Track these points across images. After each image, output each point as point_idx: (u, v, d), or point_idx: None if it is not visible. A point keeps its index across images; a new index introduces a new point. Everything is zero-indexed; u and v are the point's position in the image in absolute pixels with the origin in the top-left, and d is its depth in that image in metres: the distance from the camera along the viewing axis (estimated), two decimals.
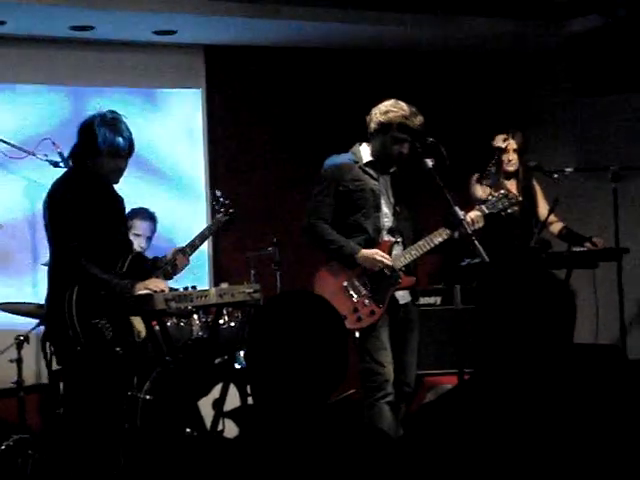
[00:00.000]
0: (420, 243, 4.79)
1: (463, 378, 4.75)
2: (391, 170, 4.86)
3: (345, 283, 4.79)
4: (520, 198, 5.50)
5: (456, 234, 4.72)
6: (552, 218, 5.80)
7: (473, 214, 4.80)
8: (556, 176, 5.90)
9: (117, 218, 4.60)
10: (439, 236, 4.77)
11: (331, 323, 2.06)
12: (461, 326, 4.76)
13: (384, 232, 4.82)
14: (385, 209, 4.84)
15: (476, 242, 4.61)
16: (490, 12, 6.88)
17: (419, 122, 4.73)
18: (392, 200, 4.84)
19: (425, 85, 7.60)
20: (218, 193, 5.39)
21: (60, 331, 4.42)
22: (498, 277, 2.26)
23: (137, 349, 4.52)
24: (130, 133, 4.50)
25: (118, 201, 4.65)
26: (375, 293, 4.77)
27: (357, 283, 4.79)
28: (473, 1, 6.68)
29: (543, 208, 5.90)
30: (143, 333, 4.83)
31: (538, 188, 5.98)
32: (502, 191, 5.06)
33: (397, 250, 4.82)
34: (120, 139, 4.44)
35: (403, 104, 4.77)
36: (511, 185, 5.85)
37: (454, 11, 6.82)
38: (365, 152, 4.86)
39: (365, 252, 4.74)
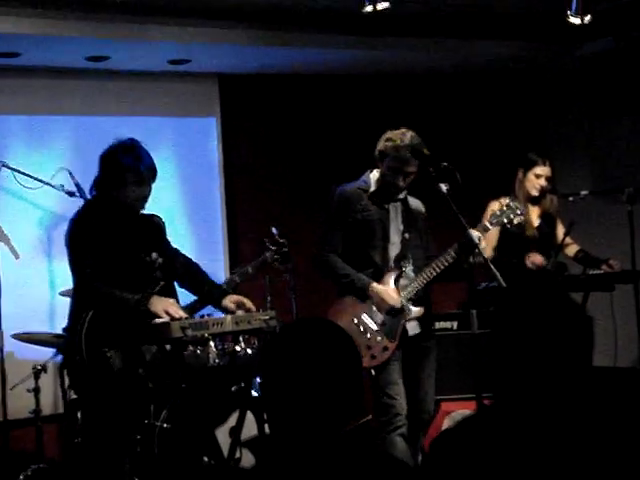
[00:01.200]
0: (426, 270, 4.76)
1: (481, 403, 4.71)
2: (400, 197, 4.85)
3: (356, 319, 4.78)
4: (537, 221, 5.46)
5: (472, 259, 4.70)
6: (568, 241, 5.79)
7: (474, 233, 4.65)
8: (571, 199, 5.90)
9: (144, 244, 4.58)
10: (443, 262, 4.72)
11: (346, 351, 2.06)
12: (478, 351, 4.72)
13: (391, 262, 4.80)
14: (394, 238, 4.82)
15: (492, 266, 4.58)
16: (504, 35, 6.90)
17: (409, 155, 4.67)
18: (401, 227, 4.83)
19: (439, 109, 7.63)
20: (274, 230, 5.34)
21: (72, 358, 4.44)
22: (516, 303, 2.25)
23: (146, 380, 4.48)
24: (152, 160, 4.51)
25: (149, 227, 4.64)
26: (386, 327, 4.76)
27: (368, 318, 4.78)
28: (487, 25, 6.70)
29: (560, 231, 5.88)
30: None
31: (557, 213, 5.96)
32: (506, 201, 4.95)
33: (405, 280, 4.80)
34: (143, 167, 4.46)
35: (405, 134, 4.73)
36: (533, 209, 5.83)
37: (468, 35, 6.84)
38: (374, 180, 4.86)
39: (375, 288, 4.74)
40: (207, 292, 4.69)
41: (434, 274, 4.74)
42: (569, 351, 2.18)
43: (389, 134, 4.77)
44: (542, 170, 5.77)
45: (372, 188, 4.83)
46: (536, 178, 5.77)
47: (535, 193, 5.79)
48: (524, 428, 2.12)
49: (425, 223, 4.94)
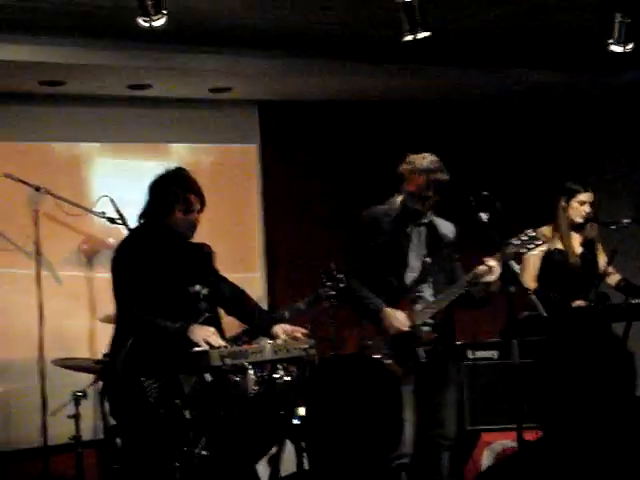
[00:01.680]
0: (440, 297, 4.69)
1: (521, 434, 4.66)
2: (424, 220, 4.78)
3: (369, 342, 4.74)
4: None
5: (512, 289, 4.65)
6: (609, 270, 5.74)
7: (492, 262, 4.54)
8: (613, 227, 5.85)
9: (190, 275, 4.59)
10: (457, 290, 4.65)
11: (386, 386, 2.05)
12: (519, 381, 4.67)
13: (409, 286, 4.73)
14: (414, 262, 4.76)
15: (533, 296, 4.55)
16: (546, 64, 6.89)
17: (426, 179, 4.62)
18: (424, 252, 4.77)
19: (479, 137, 7.62)
20: (332, 266, 5.30)
21: (112, 385, 4.46)
22: (559, 335, 2.23)
23: (182, 411, 4.48)
24: (199, 188, 4.53)
25: (196, 256, 4.66)
26: (396, 352, 4.68)
27: (380, 342, 4.73)
28: (527, 54, 6.69)
29: (602, 260, 5.84)
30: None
31: (600, 241, 5.91)
32: (529, 231, 4.75)
33: (420, 305, 4.72)
34: (192, 195, 4.48)
35: (425, 157, 4.68)
36: (575, 237, 5.80)
37: (510, 62, 6.83)
38: (398, 203, 4.80)
39: (387, 312, 4.67)
40: (257, 321, 4.69)
41: (446, 302, 4.66)
42: (612, 386, 2.16)
43: (409, 157, 4.73)
44: (586, 197, 5.73)
45: (396, 212, 4.79)
46: (580, 205, 5.73)
47: (580, 220, 5.75)
48: (570, 463, 2.10)
49: (453, 248, 4.83)
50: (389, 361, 4.65)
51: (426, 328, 4.71)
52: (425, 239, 4.78)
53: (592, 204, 5.76)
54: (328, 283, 5.16)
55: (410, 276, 4.76)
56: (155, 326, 4.33)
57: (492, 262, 4.55)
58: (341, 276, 5.15)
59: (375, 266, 4.76)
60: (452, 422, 4.80)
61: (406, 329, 4.64)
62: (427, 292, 4.76)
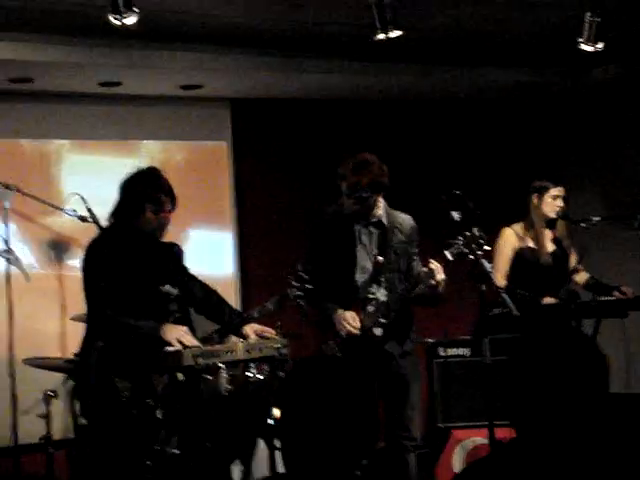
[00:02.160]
0: (390, 298, 4.63)
1: (493, 432, 4.69)
2: (373, 220, 4.72)
3: (324, 346, 4.69)
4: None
5: (484, 287, 4.66)
6: (579, 268, 5.78)
7: (433, 264, 4.50)
8: (583, 225, 5.89)
9: (160, 275, 4.57)
10: (405, 290, 4.61)
11: (362, 388, 2.06)
12: (491, 379, 4.70)
13: (359, 288, 4.70)
14: (364, 262, 4.73)
15: (504, 295, 4.57)
16: (514, 62, 6.92)
17: (353, 179, 4.59)
18: (375, 251, 4.72)
19: (452, 136, 7.65)
20: (299, 267, 5.31)
21: (82, 385, 4.45)
22: (530, 338, 2.25)
23: (154, 410, 4.47)
24: (171, 188, 4.50)
25: (167, 256, 4.64)
26: (347, 355, 4.58)
27: (333, 345, 4.67)
28: (497, 51, 6.72)
29: (573, 258, 5.88)
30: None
31: (569, 238, 5.95)
32: (474, 231, 4.63)
33: (372, 306, 4.66)
34: (164, 196, 4.45)
35: (351, 160, 4.65)
36: (547, 233, 5.83)
37: (478, 62, 6.86)
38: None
39: (338, 314, 4.64)
40: (227, 320, 4.68)
41: (395, 301, 4.62)
42: (585, 386, 2.18)
43: (345, 159, 4.71)
44: (558, 191, 5.76)
45: (344, 212, 4.73)
46: (554, 200, 5.75)
47: (553, 215, 5.77)
48: (542, 464, 2.12)
49: (409, 244, 4.75)
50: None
51: (377, 329, 4.66)
52: (377, 238, 4.74)
53: (564, 198, 5.79)
54: (295, 284, 5.18)
55: (361, 277, 4.73)
56: (127, 326, 4.31)
57: (434, 264, 4.50)
58: (307, 277, 5.17)
59: (327, 268, 4.74)
60: (416, 423, 4.76)
61: (356, 332, 4.61)
62: (380, 292, 4.69)
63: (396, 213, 4.80)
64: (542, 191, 5.76)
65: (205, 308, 4.72)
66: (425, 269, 4.53)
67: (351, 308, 4.67)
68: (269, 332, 4.54)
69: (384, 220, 4.74)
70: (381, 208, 4.73)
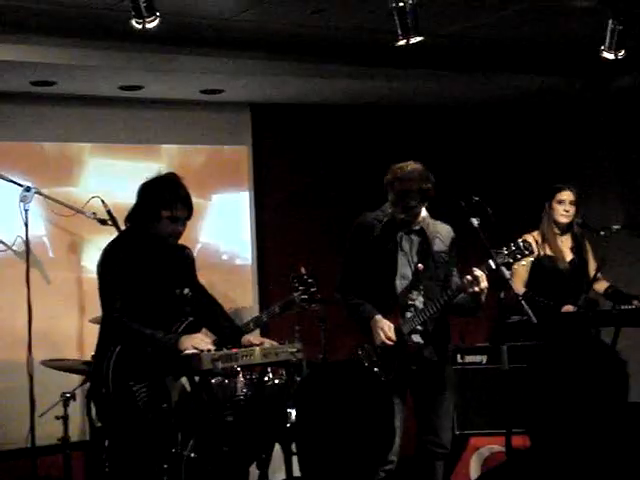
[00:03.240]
0: (429, 305, 4.66)
1: (510, 440, 4.67)
2: (415, 228, 4.75)
3: (360, 350, 4.75)
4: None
5: (502, 294, 4.65)
6: (598, 276, 5.76)
7: (477, 272, 4.49)
8: (603, 233, 5.86)
9: (174, 278, 4.59)
10: (441, 300, 4.62)
11: (376, 395, 2.06)
12: (508, 386, 4.68)
13: (399, 295, 4.72)
14: (404, 270, 4.74)
15: (523, 302, 4.55)
16: (536, 69, 6.90)
17: (401, 187, 4.60)
18: (415, 259, 4.75)
19: (471, 142, 7.64)
20: (303, 270, 5.31)
21: (98, 389, 4.46)
22: (549, 346, 2.24)
23: (169, 416, 4.49)
24: (189, 198, 4.50)
25: (179, 260, 4.65)
26: (384, 361, 4.69)
27: (370, 348, 4.73)
28: (519, 57, 6.70)
29: (591, 265, 5.85)
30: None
31: (589, 247, 5.93)
32: (519, 240, 4.70)
33: (411, 312, 4.72)
34: (181, 205, 4.46)
35: (406, 167, 4.64)
36: (565, 240, 5.81)
37: (501, 67, 6.85)
38: (389, 210, 4.77)
39: (376, 320, 4.67)
40: (228, 335, 4.68)
41: (434, 310, 4.63)
42: (604, 392, 2.17)
43: (392, 167, 4.70)
44: (565, 195, 5.75)
45: (386, 218, 4.76)
46: (559, 204, 5.75)
47: (562, 220, 5.76)
48: (559, 473, 2.11)
49: (448, 254, 4.78)
50: (376, 369, 4.68)
51: (415, 336, 4.72)
52: (417, 246, 4.76)
53: (573, 202, 5.76)
54: (300, 287, 5.18)
55: (400, 284, 4.75)
56: (143, 337, 4.33)
57: (478, 272, 4.50)
58: (311, 280, 5.17)
59: (367, 273, 4.76)
60: (447, 430, 4.81)
61: (390, 343, 4.64)
62: (418, 300, 4.74)
63: (437, 222, 4.83)
64: (551, 196, 5.77)
65: (208, 318, 4.72)
66: (469, 277, 4.51)
67: (390, 314, 4.70)
68: (267, 342, 4.57)
69: (425, 228, 4.76)
70: (423, 216, 4.76)
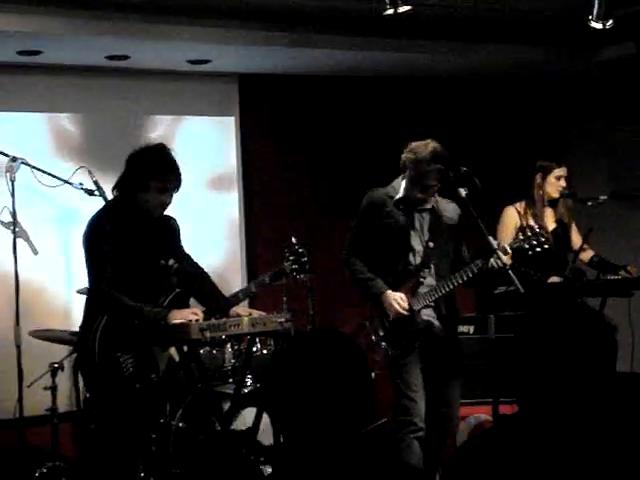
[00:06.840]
0: (442, 283, 4.74)
1: (497, 408, 4.71)
2: (427, 206, 4.81)
3: (368, 322, 4.80)
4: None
5: (490, 264, 4.68)
6: (584, 246, 5.77)
7: (492, 239, 4.69)
8: (590, 204, 5.88)
9: (160, 249, 4.58)
10: (467, 273, 4.68)
11: (355, 363, 2.09)
12: (495, 355, 4.72)
13: (412, 270, 4.79)
14: (416, 246, 4.80)
15: (510, 272, 4.58)
16: (522, 39, 6.88)
17: (421, 167, 4.63)
18: (426, 236, 4.80)
19: (458, 113, 7.63)
20: (294, 240, 5.32)
21: (85, 359, 4.46)
22: (537, 314, 2.25)
23: (157, 386, 4.50)
24: (178, 169, 4.48)
25: (165, 230, 4.64)
26: (392, 335, 4.75)
27: (377, 323, 4.78)
28: (506, 29, 6.68)
29: (576, 236, 5.87)
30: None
31: (572, 217, 5.95)
32: (535, 228, 4.85)
33: (423, 288, 4.78)
34: (170, 175, 4.44)
35: (427, 146, 4.66)
36: (549, 213, 5.83)
37: (487, 39, 6.83)
38: (402, 187, 4.81)
39: (388, 295, 4.72)
40: (215, 304, 4.68)
41: (455, 284, 4.71)
42: (592, 359, 2.18)
43: (412, 145, 4.72)
44: (562, 171, 5.78)
45: (399, 195, 4.80)
46: (557, 180, 5.76)
47: (557, 195, 5.79)
48: (546, 438, 2.12)
49: (456, 232, 4.87)
50: (383, 344, 4.72)
51: (426, 311, 4.77)
52: (428, 224, 4.81)
53: (567, 179, 5.80)
54: (290, 257, 5.19)
55: (415, 259, 4.79)
56: (132, 310, 4.32)
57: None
58: (303, 250, 5.19)
59: (378, 248, 4.78)
60: (457, 403, 4.89)
61: (405, 314, 4.69)
62: (429, 276, 4.80)
63: (444, 200, 4.89)
64: (546, 171, 5.77)
65: (195, 288, 4.72)
66: (502, 245, 4.69)
67: (401, 290, 4.75)
68: (257, 314, 4.60)
69: (436, 207, 4.82)
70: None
